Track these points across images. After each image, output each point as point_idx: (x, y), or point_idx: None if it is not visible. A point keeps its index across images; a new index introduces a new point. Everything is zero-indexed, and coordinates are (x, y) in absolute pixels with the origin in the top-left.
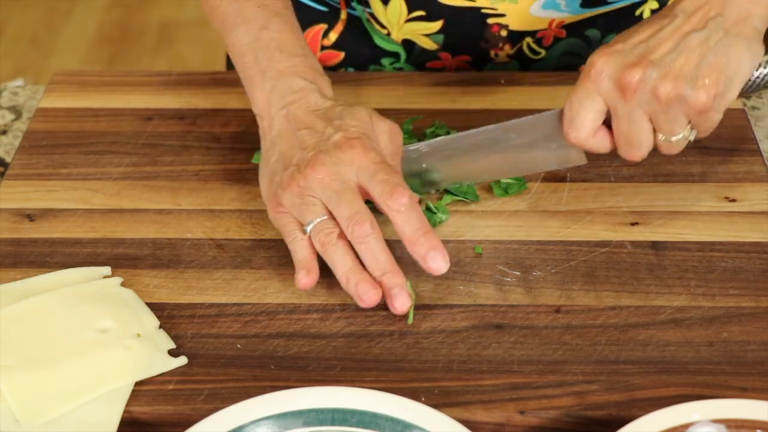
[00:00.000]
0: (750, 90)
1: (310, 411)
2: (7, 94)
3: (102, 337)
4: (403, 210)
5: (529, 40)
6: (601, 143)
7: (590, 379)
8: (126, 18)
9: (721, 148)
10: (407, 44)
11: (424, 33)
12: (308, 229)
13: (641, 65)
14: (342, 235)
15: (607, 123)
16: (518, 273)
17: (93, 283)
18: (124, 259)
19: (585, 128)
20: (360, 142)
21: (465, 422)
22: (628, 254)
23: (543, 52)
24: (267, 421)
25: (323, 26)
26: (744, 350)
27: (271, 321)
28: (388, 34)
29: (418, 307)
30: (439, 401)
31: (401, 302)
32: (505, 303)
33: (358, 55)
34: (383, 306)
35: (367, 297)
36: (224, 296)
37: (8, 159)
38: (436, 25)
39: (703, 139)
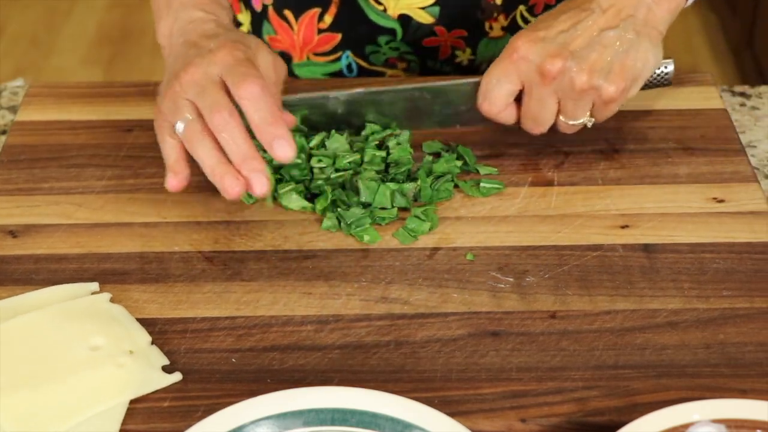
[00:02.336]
0: (646, 87)
1: (310, 411)
2: (7, 94)
3: (94, 355)
4: (252, 98)
5: (522, 8)
6: (508, 117)
7: (590, 385)
8: (126, 18)
9: (705, 149)
10: (403, 19)
11: (420, 6)
12: (178, 128)
13: (562, 56)
14: (209, 133)
15: (517, 98)
16: (512, 279)
17: (82, 299)
18: (111, 274)
19: (498, 103)
20: (230, 44)
21: None
22: (620, 257)
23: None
24: (267, 421)
25: (317, 10)
26: (741, 352)
27: (265, 334)
28: (384, 11)
29: (413, 316)
30: (441, 411)
31: (259, 185)
32: (500, 310)
33: (355, 36)
34: (378, 316)
35: (231, 188)
36: (216, 309)
37: None
38: None
39: (689, 140)
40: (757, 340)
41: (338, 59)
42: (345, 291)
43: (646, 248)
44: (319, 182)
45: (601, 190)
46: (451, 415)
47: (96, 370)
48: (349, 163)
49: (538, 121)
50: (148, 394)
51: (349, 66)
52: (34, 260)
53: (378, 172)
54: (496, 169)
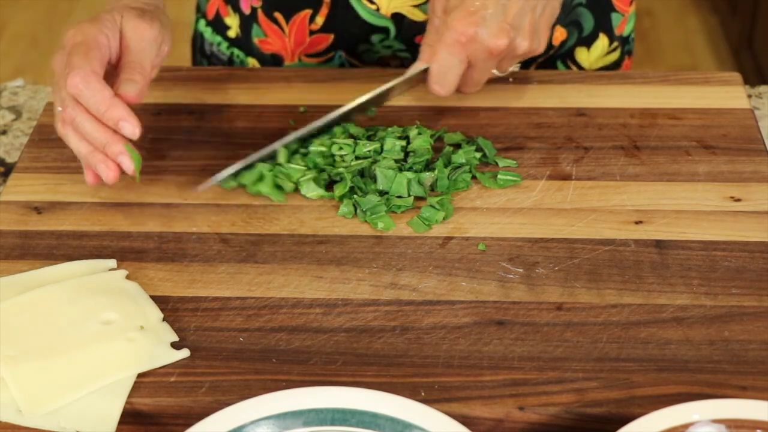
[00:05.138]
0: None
1: (310, 411)
2: (7, 94)
3: (106, 329)
4: (77, 91)
5: None
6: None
7: (590, 376)
8: None
9: (727, 148)
10: (397, 18)
11: (413, 4)
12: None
13: (505, 32)
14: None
15: None
16: (521, 270)
17: (98, 275)
18: (129, 252)
19: (452, 86)
20: (77, 26)
21: (464, 418)
22: (632, 253)
23: None
24: (267, 421)
25: (308, 11)
26: (745, 349)
27: (274, 315)
28: (377, 10)
29: (421, 303)
30: (439, 396)
31: (125, 165)
32: (508, 300)
33: (348, 35)
34: (386, 302)
35: (107, 174)
36: (228, 290)
37: (8, 159)
38: None
39: (711, 139)
40: (762, 338)
41: (331, 59)
42: (356, 276)
43: (658, 244)
44: (340, 169)
45: (618, 186)
46: (450, 401)
47: (107, 343)
48: (369, 151)
49: (476, 86)
50: (155, 369)
51: (342, 65)
52: (57, 236)
53: (397, 161)
54: (515, 162)
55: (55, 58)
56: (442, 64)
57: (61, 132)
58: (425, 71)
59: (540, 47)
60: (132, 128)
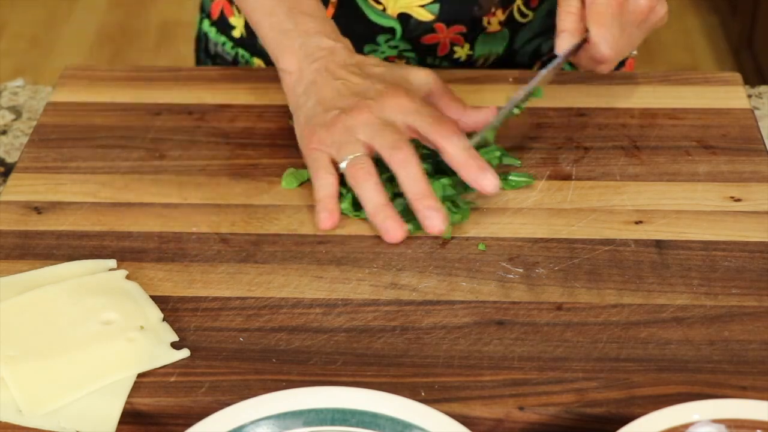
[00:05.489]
0: None
1: (310, 411)
2: (7, 94)
3: (105, 329)
4: (451, 137)
5: (519, 2)
6: None
7: (590, 376)
8: (126, 18)
9: (727, 148)
10: (403, 18)
11: (420, 4)
12: (343, 164)
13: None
14: (375, 174)
15: None
16: (521, 270)
17: (98, 275)
18: (129, 252)
19: (621, 51)
20: (403, 90)
21: (464, 418)
22: (632, 253)
23: (530, 14)
24: (267, 421)
25: None
26: (745, 349)
27: (274, 315)
28: (384, 10)
29: (421, 303)
30: (439, 396)
31: (435, 223)
32: (507, 300)
33: (353, 35)
34: (386, 302)
35: (394, 232)
36: (228, 290)
37: (8, 159)
38: None
39: (711, 139)
40: (762, 338)
41: None
42: (356, 276)
43: (658, 244)
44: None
45: (618, 186)
46: (450, 401)
47: (106, 343)
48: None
49: (619, 56)
50: (155, 369)
51: None
52: (56, 236)
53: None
54: (518, 161)
55: (365, 113)
56: (608, 28)
57: (355, 176)
58: (579, 45)
59: (667, 17)
60: (495, 179)
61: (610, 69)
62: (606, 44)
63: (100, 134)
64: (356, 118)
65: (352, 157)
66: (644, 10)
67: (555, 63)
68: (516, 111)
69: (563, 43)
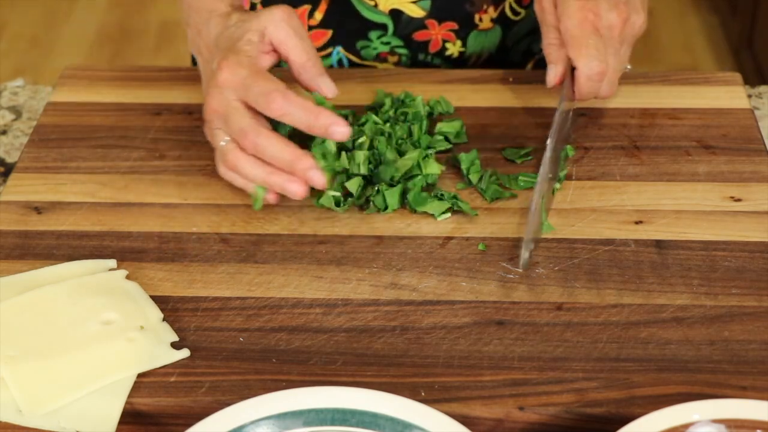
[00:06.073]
0: None
1: (310, 411)
2: (7, 94)
3: (106, 329)
4: (284, 112)
5: (510, 0)
6: None
7: (590, 376)
8: (126, 18)
9: (727, 148)
10: (395, 14)
11: (411, 0)
12: (217, 154)
13: (622, 6)
14: (244, 156)
15: None
16: (521, 270)
17: (98, 275)
18: (129, 252)
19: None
20: (226, 64)
21: (464, 418)
22: (632, 253)
23: (522, 12)
24: (267, 421)
25: (307, 7)
26: (745, 349)
27: (274, 315)
28: (376, 6)
29: (421, 303)
30: (439, 396)
31: (317, 180)
32: (508, 300)
33: (346, 31)
34: (386, 302)
35: (296, 191)
36: (228, 290)
37: (8, 159)
38: None
39: (711, 139)
40: (762, 338)
41: (329, 55)
42: (356, 276)
43: (658, 244)
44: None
45: (618, 186)
46: (450, 401)
47: (107, 343)
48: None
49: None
50: (155, 369)
51: (339, 61)
52: (56, 236)
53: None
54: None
55: (212, 98)
56: (586, 46)
57: (231, 163)
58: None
59: (645, 25)
60: (344, 129)
61: (611, 92)
62: (589, 58)
63: (99, 134)
64: (207, 110)
65: (220, 147)
66: (618, 23)
67: (560, 111)
68: (557, 186)
69: (550, 74)
